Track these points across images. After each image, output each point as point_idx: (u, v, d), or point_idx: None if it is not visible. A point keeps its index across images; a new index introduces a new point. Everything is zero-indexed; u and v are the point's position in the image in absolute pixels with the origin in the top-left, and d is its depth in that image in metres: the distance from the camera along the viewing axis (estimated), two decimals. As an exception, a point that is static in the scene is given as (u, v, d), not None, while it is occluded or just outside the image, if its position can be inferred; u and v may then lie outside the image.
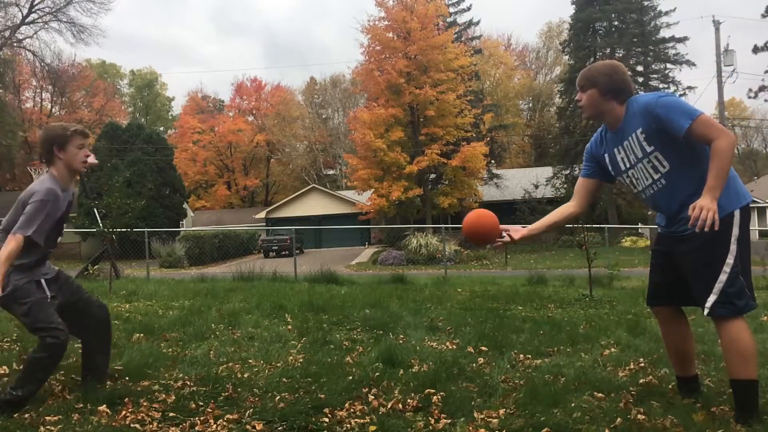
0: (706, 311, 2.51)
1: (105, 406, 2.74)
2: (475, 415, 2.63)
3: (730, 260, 2.46)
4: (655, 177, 2.60)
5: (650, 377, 3.18)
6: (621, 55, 32.70)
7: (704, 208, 2.35)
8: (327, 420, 2.59)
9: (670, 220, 2.67)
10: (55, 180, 2.93)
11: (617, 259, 13.67)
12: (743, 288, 2.48)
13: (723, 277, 2.46)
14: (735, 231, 2.49)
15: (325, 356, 3.77)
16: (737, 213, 2.50)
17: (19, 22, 32.95)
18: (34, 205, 2.79)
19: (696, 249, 2.52)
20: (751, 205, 2.65)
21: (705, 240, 2.46)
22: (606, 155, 2.77)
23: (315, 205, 37.56)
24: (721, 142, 2.36)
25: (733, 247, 2.47)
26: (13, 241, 2.74)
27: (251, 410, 2.70)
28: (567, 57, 37.30)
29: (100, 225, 11.39)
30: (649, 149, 2.56)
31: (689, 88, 31.65)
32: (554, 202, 30.84)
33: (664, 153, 2.53)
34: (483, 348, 4.01)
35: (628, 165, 2.68)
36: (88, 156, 3.02)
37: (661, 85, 31.67)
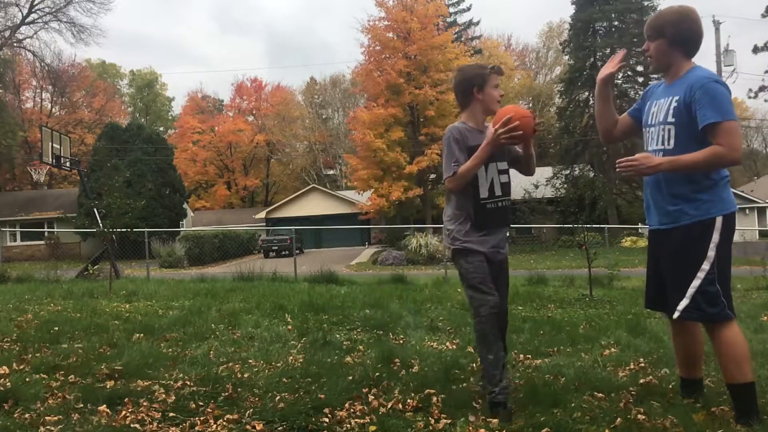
0: (676, 314, 2.49)
1: (105, 406, 2.74)
2: (476, 415, 2.63)
3: (705, 266, 2.43)
4: (659, 147, 2.56)
5: (650, 377, 3.18)
6: (621, 55, 32.62)
7: (640, 159, 2.40)
8: (327, 420, 2.59)
9: (654, 208, 2.63)
10: (464, 124, 2.88)
11: (617, 259, 13.65)
12: (718, 296, 2.44)
13: (696, 282, 2.43)
14: (715, 237, 2.44)
15: (325, 356, 3.77)
16: (719, 219, 2.46)
17: (19, 22, 32.98)
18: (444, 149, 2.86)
19: (673, 250, 2.52)
20: (748, 208, 2.66)
21: (682, 242, 2.47)
22: (647, 104, 2.73)
23: (315, 205, 37.53)
24: (724, 150, 2.33)
25: (711, 253, 2.43)
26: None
27: (251, 410, 2.70)
28: (567, 57, 37.28)
29: (100, 225, 11.39)
30: (670, 119, 2.50)
31: (689, 87, 31.59)
32: (554, 202, 30.88)
33: (678, 132, 2.48)
34: (483, 348, 4.00)
35: (651, 122, 2.65)
36: (501, 95, 2.91)
37: (661, 85, 31.58)
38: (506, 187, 2.91)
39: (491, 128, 2.72)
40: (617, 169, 2.50)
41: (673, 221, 2.53)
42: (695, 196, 2.47)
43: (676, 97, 2.49)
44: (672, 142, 2.49)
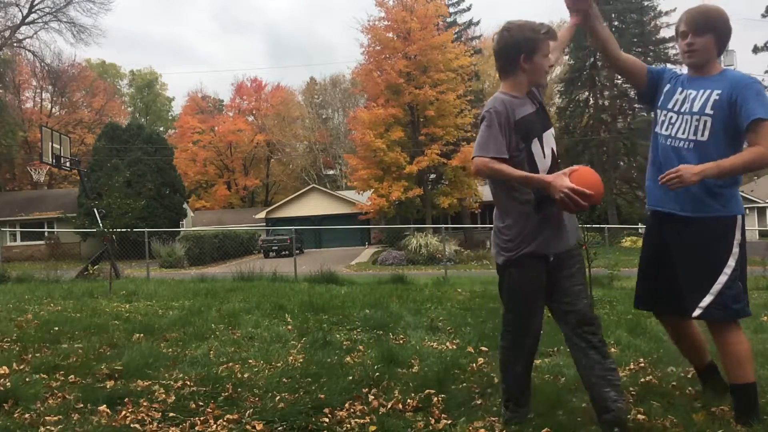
0: (698, 311, 2.46)
1: (105, 406, 2.74)
2: (476, 415, 2.63)
3: (731, 262, 2.44)
4: (690, 137, 2.52)
5: (650, 377, 3.18)
6: (621, 55, 32.62)
7: (683, 170, 2.32)
8: (327, 420, 2.59)
9: (671, 193, 2.52)
10: (507, 94, 2.43)
11: (617, 259, 13.65)
12: (741, 292, 2.46)
13: (723, 279, 2.43)
14: (737, 235, 2.47)
15: (325, 356, 3.77)
16: (740, 218, 2.49)
17: (19, 22, 32.98)
18: (481, 126, 2.39)
19: (697, 243, 2.48)
20: (748, 208, 2.69)
21: (709, 236, 2.45)
22: (667, 86, 2.69)
23: (315, 205, 37.53)
24: (765, 152, 2.32)
25: (736, 250, 2.46)
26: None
27: (251, 410, 2.70)
28: (567, 57, 37.29)
29: (100, 225, 11.40)
30: (708, 111, 2.48)
31: (689, 88, 31.63)
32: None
33: (714, 126, 2.46)
34: (483, 348, 4.01)
35: (675, 107, 2.61)
36: (551, 65, 2.46)
37: (661, 85, 31.63)
38: (557, 158, 2.54)
39: (566, 179, 2.25)
40: (661, 183, 2.42)
41: (696, 210, 2.48)
42: (721, 191, 2.47)
43: (717, 91, 2.47)
44: (707, 134, 2.48)
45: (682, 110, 2.57)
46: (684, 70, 2.76)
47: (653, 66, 2.86)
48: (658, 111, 2.70)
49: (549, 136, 2.48)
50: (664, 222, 2.62)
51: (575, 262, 2.49)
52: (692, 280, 2.51)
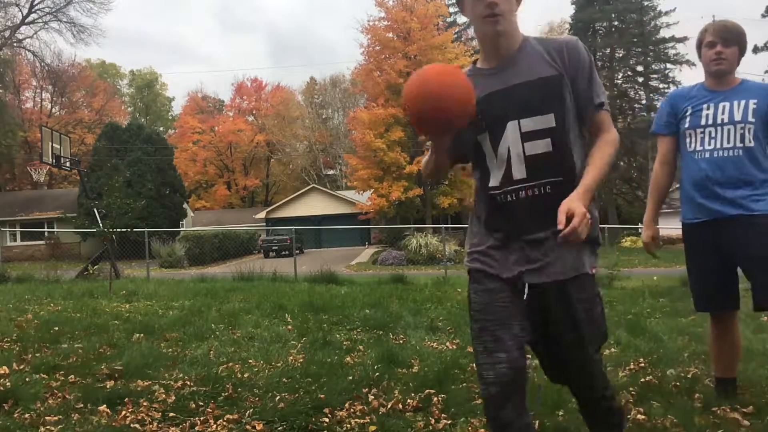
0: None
1: (105, 406, 2.74)
2: (476, 415, 2.63)
3: None
4: (738, 145, 2.62)
5: (650, 377, 3.18)
6: (621, 55, 32.68)
7: None
8: (327, 420, 2.59)
9: (727, 198, 2.60)
10: (471, 66, 1.84)
11: (617, 259, 13.66)
12: None
13: None
14: None
15: (325, 356, 3.77)
16: None
17: (19, 22, 32.98)
18: None
19: (764, 238, 2.53)
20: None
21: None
22: (688, 108, 2.75)
23: (315, 205, 37.54)
24: None
25: None
26: None
27: (251, 410, 2.70)
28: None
29: (100, 225, 11.41)
30: (751, 119, 2.62)
31: (689, 88, 31.61)
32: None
33: (756, 133, 2.61)
34: (483, 348, 4.00)
35: (709, 122, 2.69)
36: (495, 3, 1.71)
37: (661, 85, 31.69)
38: (541, 162, 1.65)
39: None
40: None
41: (749, 208, 2.57)
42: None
43: (754, 101, 2.62)
44: (752, 141, 2.62)
45: (719, 122, 2.67)
46: (679, 78, 2.86)
47: (667, 122, 2.84)
48: (689, 132, 2.75)
49: (513, 132, 1.66)
50: (723, 227, 2.64)
51: (565, 306, 1.68)
52: (762, 271, 2.55)
